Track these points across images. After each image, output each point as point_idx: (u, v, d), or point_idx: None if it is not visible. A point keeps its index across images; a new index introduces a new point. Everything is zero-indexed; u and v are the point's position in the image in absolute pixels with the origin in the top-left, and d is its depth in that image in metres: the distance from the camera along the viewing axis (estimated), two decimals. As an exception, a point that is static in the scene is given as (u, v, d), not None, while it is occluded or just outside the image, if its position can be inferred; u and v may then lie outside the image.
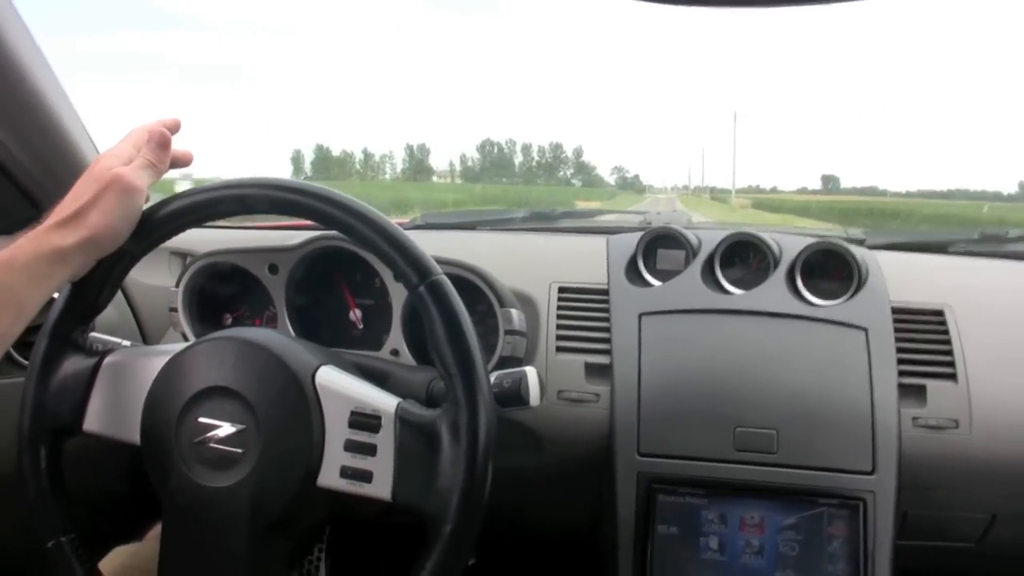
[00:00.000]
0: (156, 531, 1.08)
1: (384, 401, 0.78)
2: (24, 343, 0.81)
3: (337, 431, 0.77)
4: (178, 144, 0.86)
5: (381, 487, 0.76)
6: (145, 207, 0.82)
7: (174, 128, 0.86)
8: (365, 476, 0.76)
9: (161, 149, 0.83)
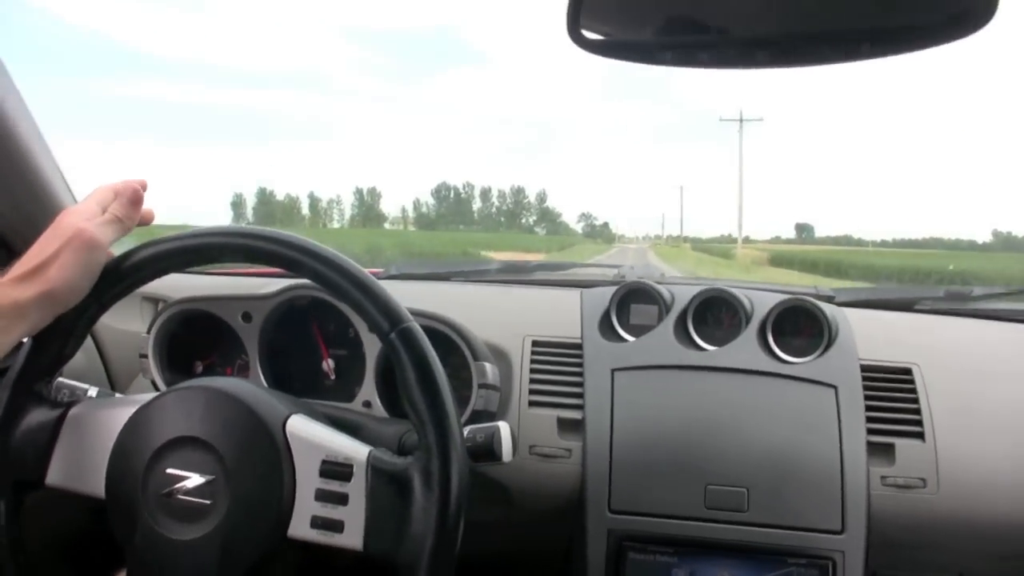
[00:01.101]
0: None
1: (356, 449, 0.78)
2: None
3: (308, 480, 0.77)
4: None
5: (353, 537, 0.75)
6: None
7: (143, 188, 0.86)
8: (336, 526, 0.75)
9: (132, 206, 0.84)
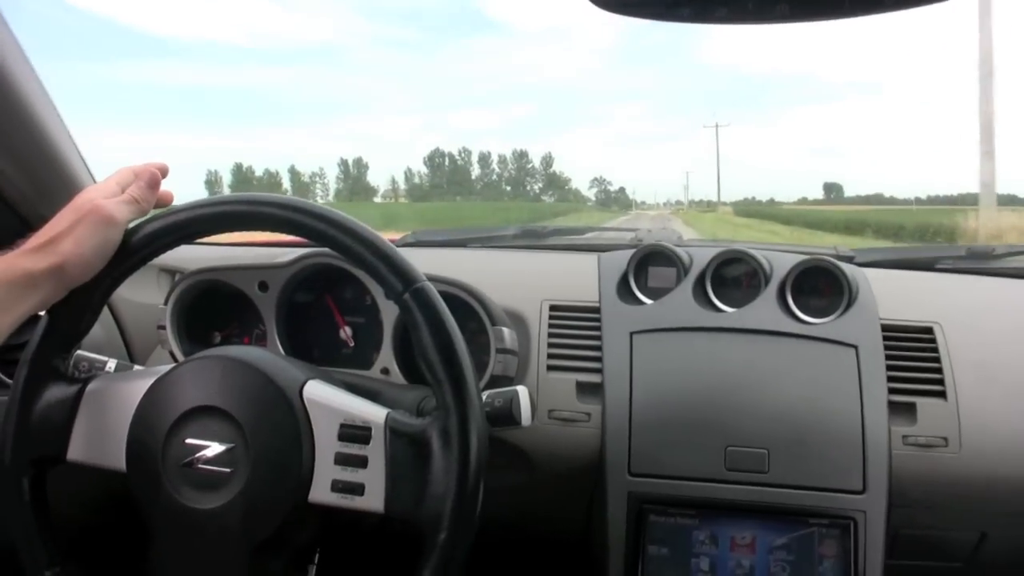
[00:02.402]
0: None
1: (373, 412, 0.78)
2: (9, 361, 0.80)
3: (327, 445, 0.77)
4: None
5: (373, 499, 0.75)
6: None
7: (164, 173, 0.86)
8: (357, 489, 0.76)
9: (149, 189, 0.84)
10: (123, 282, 0.85)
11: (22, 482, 0.82)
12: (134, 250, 0.82)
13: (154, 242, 0.82)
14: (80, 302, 0.82)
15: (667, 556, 1.06)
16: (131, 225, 0.83)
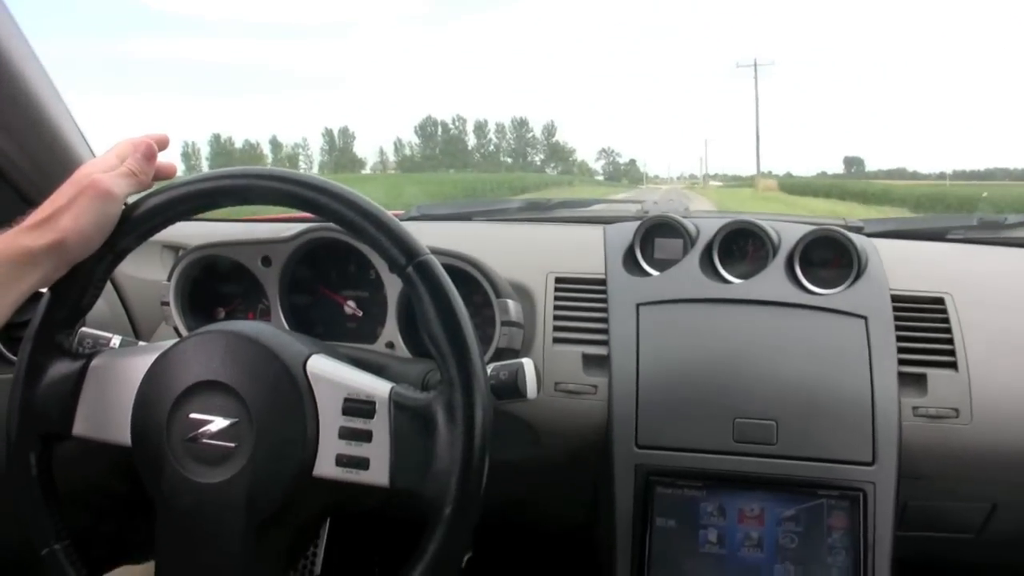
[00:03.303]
0: None
1: (377, 386, 0.77)
2: (12, 339, 0.80)
3: (331, 419, 0.77)
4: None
5: (378, 474, 0.75)
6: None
7: (162, 144, 0.85)
8: (361, 463, 0.75)
9: (146, 161, 0.83)
10: (125, 257, 0.84)
11: (29, 457, 0.82)
12: (135, 225, 0.81)
13: (155, 217, 0.82)
14: (82, 278, 0.81)
15: (675, 528, 1.06)
16: (132, 200, 0.82)
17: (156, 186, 0.84)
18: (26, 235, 0.75)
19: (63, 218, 0.76)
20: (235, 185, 0.80)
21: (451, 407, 0.74)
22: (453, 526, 0.72)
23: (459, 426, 0.73)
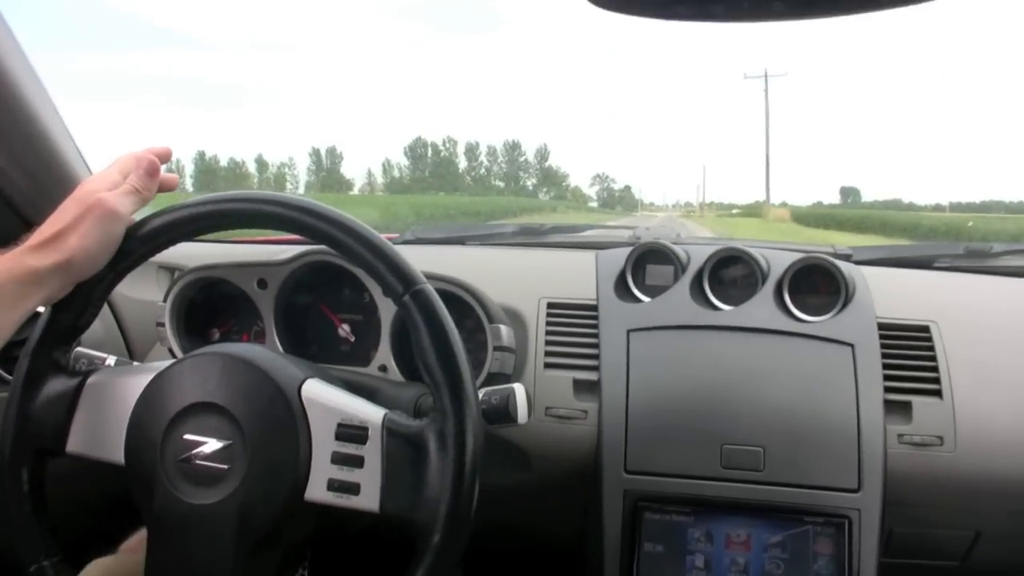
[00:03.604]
0: (132, 542, 1.07)
1: (371, 412, 0.78)
2: (9, 358, 0.80)
3: (324, 444, 0.77)
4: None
5: (369, 499, 0.76)
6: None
7: (164, 157, 0.86)
8: (352, 488, 0.76)
9: (149, 177, 0.83)
10: (125, 276, 0.85)
11: (21, 472, 0.82)
12: (136, 245, 0.82)
13: (157, 238, 0.83)
14: (82, 297, 0.82)
15: (662, 553, 1.07)
16: (135, 219, 0.83)
17: (158, 206, 0.85)
18: (32, 255, 0.75)
19: (70, 238, 0.76)
20: (237, 209, 0.82)
21: (443, 436, 0.75)
22: (441, 553, 0.73)
23: (450, 455, 0.74)
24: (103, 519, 1.27)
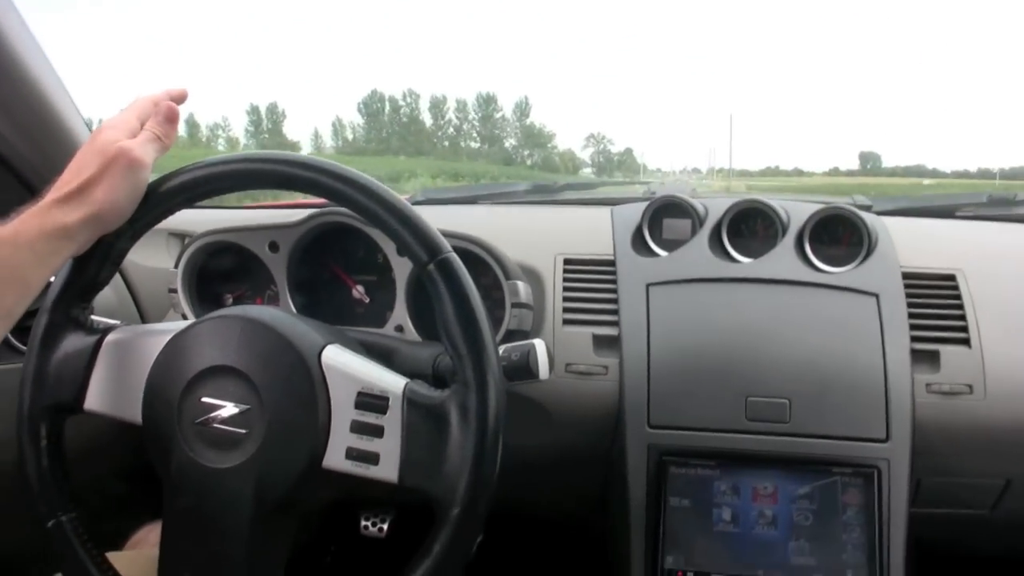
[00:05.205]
0: (141, 534, 1.07)
1: (392, 382, 0.77)
2: (21, 328, 0.79)
3: (343, 412, 0.76)
4: None
5: (388, 469, 0.74)
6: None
7: (181, 99, 0.84)
8: (371, 458, 0.75)
9: (168, 123, 0.81)
10: (143, 235, 0.84)
11: (39, 427, 0.82)
12: (158, 201, 0.81)
13: (177, 195, 0.81)
14: (102, 251, 0.81)
15: (689, 507, 1.06)
16: (155, 177, 0.81)
17: (179, 166, 0.83)
18: (59, 209, 0.74)
19: (96, 191, 0.74)
20: (258, 169, 0.80)
21: (465, 408, 0.73)
22: (460, 527, 0.72)
23: (472, 428, 0.72)
24: (122, 482, 1.27)
